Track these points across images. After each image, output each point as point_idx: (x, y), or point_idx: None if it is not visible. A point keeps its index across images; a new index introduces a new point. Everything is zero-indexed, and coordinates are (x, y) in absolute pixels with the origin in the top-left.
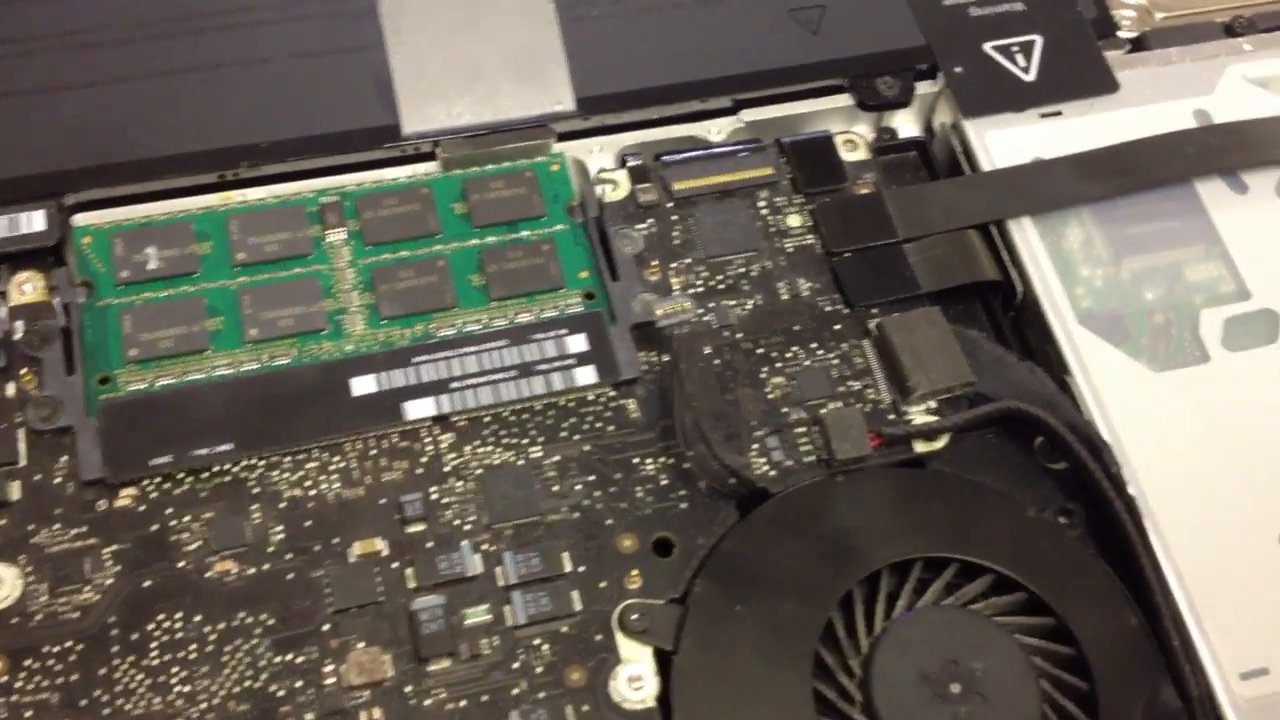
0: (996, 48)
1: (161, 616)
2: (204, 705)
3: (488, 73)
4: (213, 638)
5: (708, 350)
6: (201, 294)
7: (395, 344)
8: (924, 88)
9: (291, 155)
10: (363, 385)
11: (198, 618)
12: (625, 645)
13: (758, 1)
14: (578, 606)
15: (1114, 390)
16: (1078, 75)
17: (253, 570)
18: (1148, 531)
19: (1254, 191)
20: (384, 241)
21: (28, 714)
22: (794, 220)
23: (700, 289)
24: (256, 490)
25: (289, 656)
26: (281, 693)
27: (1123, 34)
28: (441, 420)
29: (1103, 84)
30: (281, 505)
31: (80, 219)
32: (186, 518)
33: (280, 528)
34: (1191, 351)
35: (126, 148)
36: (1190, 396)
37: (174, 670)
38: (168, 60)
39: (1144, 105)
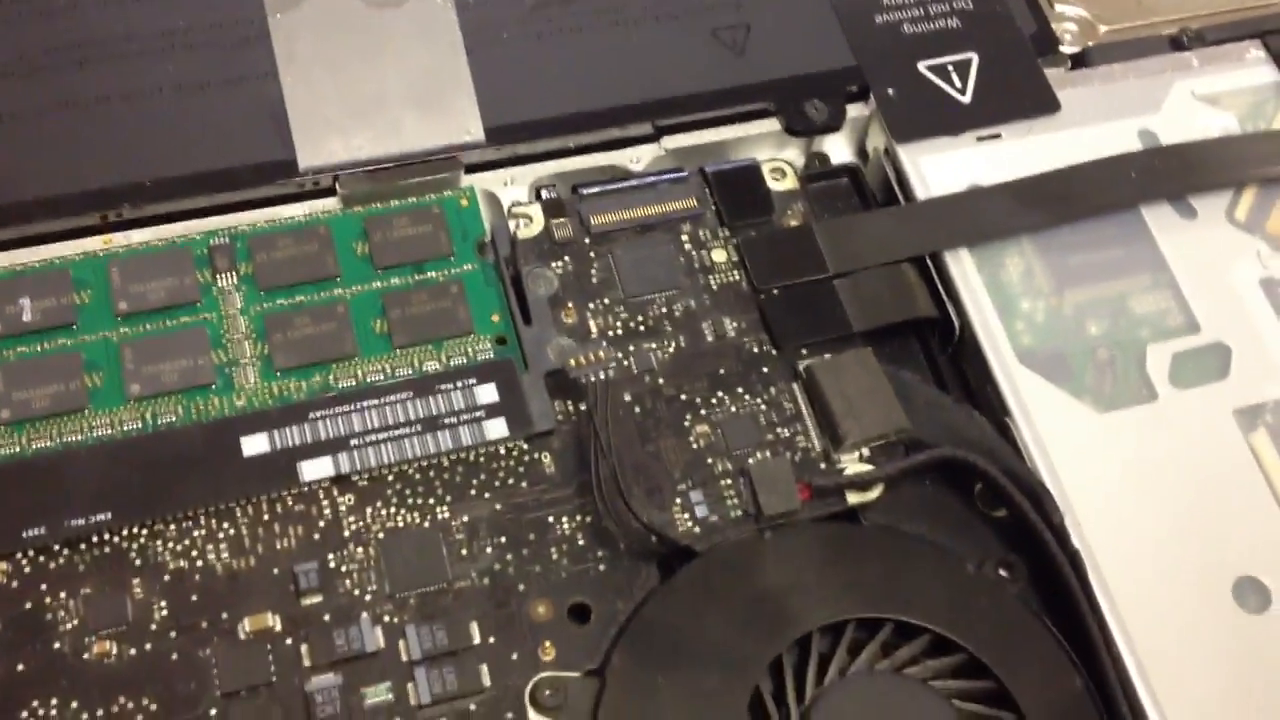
0: (931, 67)
1: (35, 703)
2: None
3: (389, 102)
4: None
5: (627, 398)
6: (79, 348)
7: (291, 398)
8: (856, 110)
9: (177, 194)
10: (254, 445)
11: (74, 704)
12: None
13: (679, 21)
14: (487, 682)
15: (1056, 433)
16: (1017, 95)
17: (134, 651)
18: (1093, 586)
19: (1203, 217)
20: (279, 286)
21: None
22: (719, 255)
23: (619, 331)
24: (138, 562)
25: None
26: None
27: (1065, 49)
28: (340, 480)
29: (1043, 104)
30: (165, 578)
31: None
32: (63, 594)
33: (164, 603)
34: (1138, 389)
35: (2, 190)
36: (1137, 438)
37: None
38: (43, 95)
39: (1087, 126)
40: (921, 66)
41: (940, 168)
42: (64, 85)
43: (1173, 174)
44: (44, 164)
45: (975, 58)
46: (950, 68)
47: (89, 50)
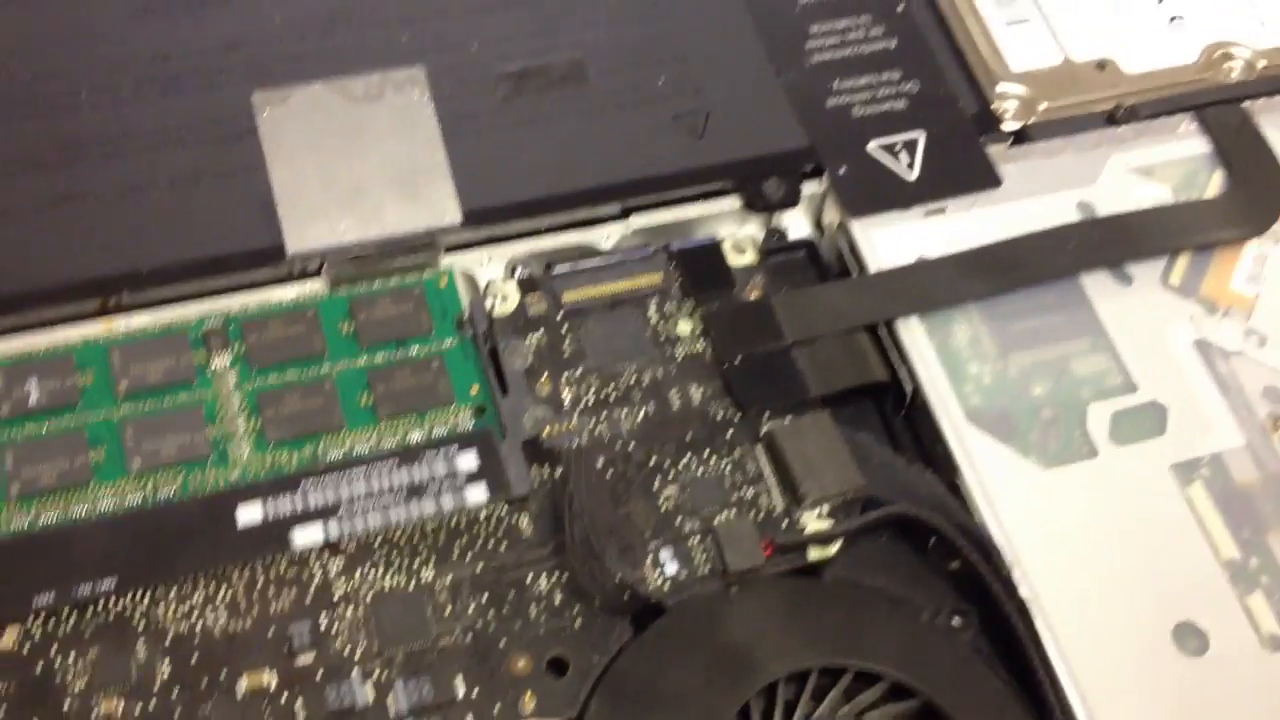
0: (881, 146)
1: None
2: None
3: (372, 189)
4: None
5: (600, 463)
6: (84, 426)
7: (283, 469)
8: (811, 187)
9: (173, 280)
10: (249, 514)
11: None
12: None
13: (642, 109)
14: None
15: (1004, 489)
16: (960, 171)
17: (138, 709)
18: (1040, 632)
19: (1139, 283)
20: (270, 364)
21: None
22: (684, 327)
23: (591, 400)
24: (141, 626)
25: None
26: None
27: (1005, 126)
28: (330, 546)
29: (985, 179)
30: (167, 641)
31: None
32: (71, 656)
33: (166, 663)
34: (1080, 446)
35: (5, 280)
36: (1080, 493)
37: None
38: (45, 191)
39: (1028, 198)
40: (872, 146)
41: (890, 240)
42: (64, 180)
43: (1110, 243)
44: (47, 254)
45: (922, 136)
46: (899, 146)
47: (88, 147)
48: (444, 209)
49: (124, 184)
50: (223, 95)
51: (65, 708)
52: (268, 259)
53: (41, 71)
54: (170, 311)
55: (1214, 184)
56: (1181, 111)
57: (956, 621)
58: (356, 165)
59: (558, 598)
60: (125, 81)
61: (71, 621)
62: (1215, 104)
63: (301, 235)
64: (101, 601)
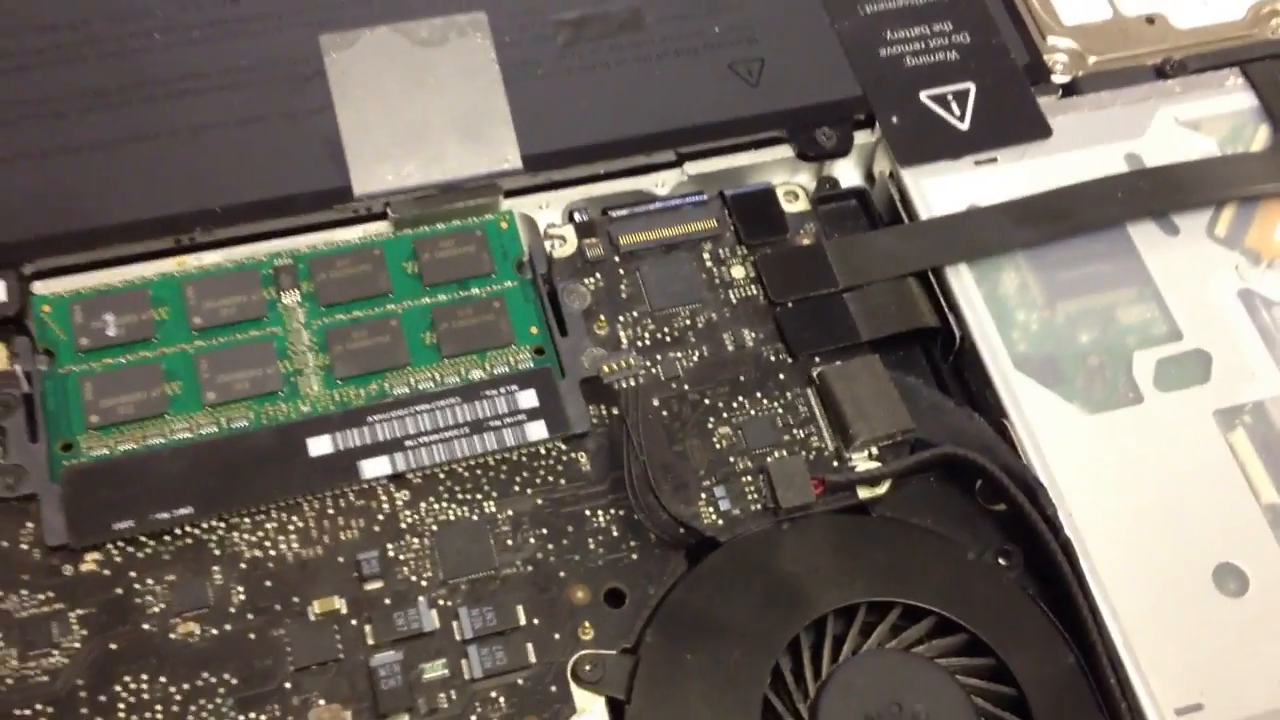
0: (932, 96)
1: (128, 679)
2: None
3: (435, 133)
4: (178, 698)
5: (655, 402)
6: (159, 359)
7: (350, 404)
8: (863, 137)
9: (244, 219)
10: (319, 446)
11: (162, 679)
12: (579, 695)
13: (698, 56)
14: (532, 659)
15: (1050, 433)
16: (1011, 122)
17: (215, 631)
18: (1084, 571)
19: (1185, 233)
20: (338, 302)
21: None
22: (738, 272)
23: (647, 342)
24: (217, 552)
25: (252, 715)
26: None
27: (1056, 79)
28: (397, 478)
29: (1036, 130)
30: (242, 566)
31: (39, 287)
32: (150, 581)
33: (241, 588)
34: (1125, 393)
35: (83, 216)
36: (1124, 437)
37: None
38: (121, 129)
39: (1077, 150)
40: (923, 96)
41: (941, 189)
42: (139, 119)
43: (1157, 194)
44: (123, 192)
45: (973, 87)
46: (950, 97)
47: (161, 87)
48: (505, 154)
49: (196, 124)
50: (291, 37)
51: (145, 628)
52: (335, 199)
53: (117, 12)
54: (241, 250)
55: (1260, 138)
56: (1229, 66)
57: (1002, 560)
58: (420, 108)
59: (615, 531)
60: (197, 22)
61: (150, 547)
62: (1262, 59)
63: (368, 177)
64: (178, 528)
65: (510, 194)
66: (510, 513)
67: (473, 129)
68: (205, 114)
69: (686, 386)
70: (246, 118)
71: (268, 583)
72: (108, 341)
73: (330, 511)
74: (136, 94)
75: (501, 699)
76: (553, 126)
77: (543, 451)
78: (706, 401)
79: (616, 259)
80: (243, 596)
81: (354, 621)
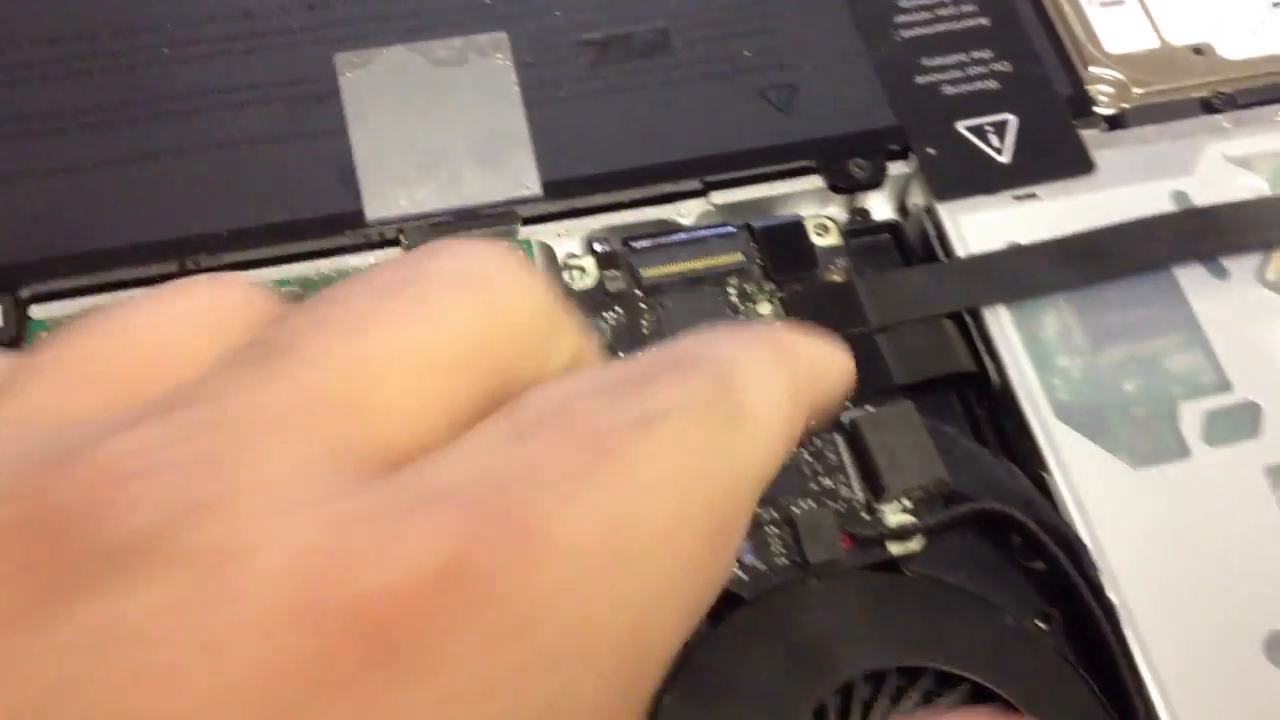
0: (969, 127)
1: None
2: None
3: (452, 157)
4: None
5: None
6: None
7: None
8: (897, 168)
9: (251, 244)
10: None
11: None
12: None
13: (727, 81)
14: None
15: (1092, 488)
16: (1053, 156)
17: None
18: (1127, 638)
19: (1234, 277)
20: None
21: None
22: (764, 308)
23: None
24: None
25: None
26: None
27: (1099, 110)
28: None
29: (1078, 165)
30: None
31: (37, 311)
32: None
33: None
34: (1171, 446)
35: (83, 238)
36: (1171, 494)
37: None
38: (124, 147)
39: (1121, 187)
40: (961, 126)
41: (979, 226)
42: (144, 137)
43: (1205, 235)
44: (126, 213)
45: (1013, 119)
46: (989, 128)
47: (167, 104)
48: (524, 180)
49: (203, 143)
50: (304, 55)
51: None
52: (347, 224)
53: (123, 25)
54: (247, 275)
55: None
56: None
57: (1041, 623)
58: (437, 131)
59: None
60: (207, 37)
61: None
62: None
63: (381, 202)
64: None
65: (528, 221)
66: None
67: (491, 153)
68: (213, 133)
69: None
70: (256, 138)
71: None
72: None
73: None
74: (142, 111)
75: None
76: (573, 151)
77: None
78: None
79: (638, 292)
80: None
81: None
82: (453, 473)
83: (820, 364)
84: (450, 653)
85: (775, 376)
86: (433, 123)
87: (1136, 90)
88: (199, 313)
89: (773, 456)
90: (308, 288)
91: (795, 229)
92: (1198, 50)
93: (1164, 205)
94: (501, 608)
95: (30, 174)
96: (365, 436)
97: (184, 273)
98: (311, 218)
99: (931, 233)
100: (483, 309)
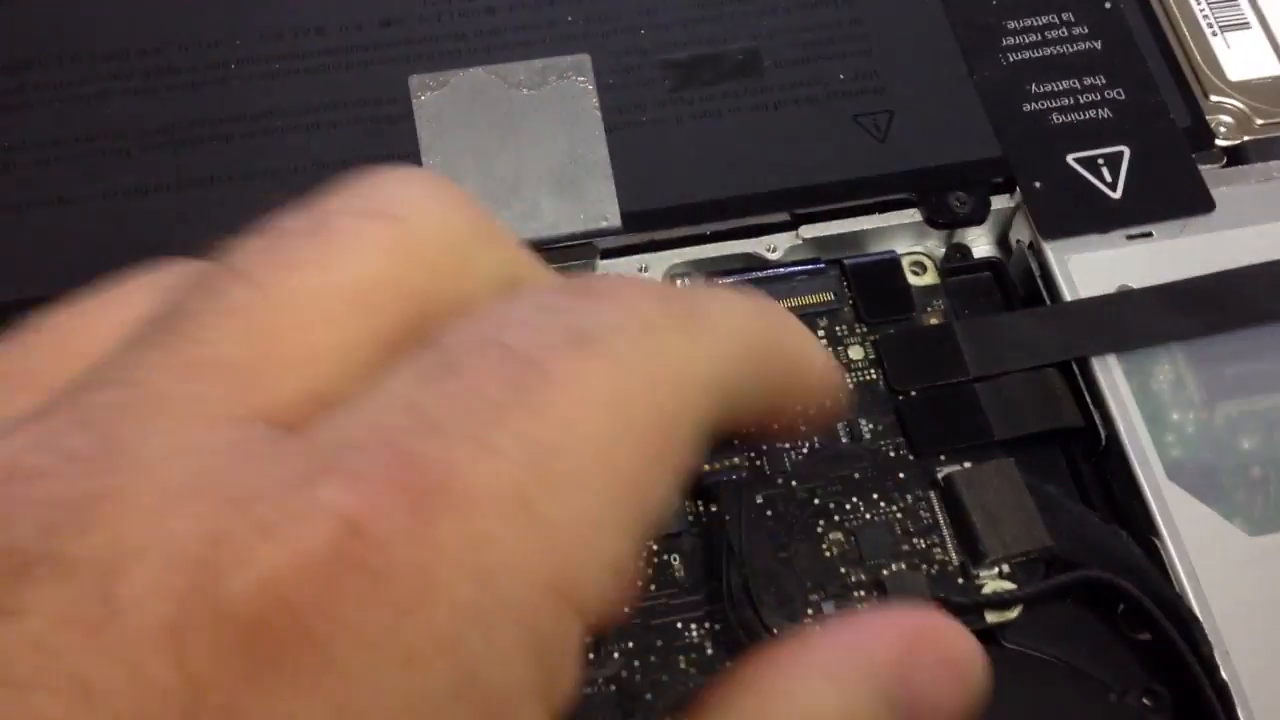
0: (1079, 159)
1: None
2: None
3: (528, 186)
4: None
5: (759, 500)
6: None
7: None
8: (1000, 202)
9: None
10: None
11: None
12: None
13: (819, 106)
14: None
15: (1206, 556)
16: (1169, 192)
17: None
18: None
19: None
20: None
21: None
22: (855, 353)
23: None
24: None
25: None
26: None
27: (1220, 142)
28: None
29: (1197, 202)
30: None
31: None
32: None
33: None
34: None
35: (148, 261)
36: None
37: None
38: (191, 168)
39: (1243, 227)
40: (1070, 159)
41: (1088, 266)
42: (211, 159)
43: None
44: (189, 238)
45: (1127, 151)
46: (1100, 161)
47: (233, 125)
48: (603, 210)
49: (270, 168)
50: (378, 75)
51: None
52: None
53: (189, 40)
54: None
55: None
56: None
57: (1147, 701)
58: (514, 157)
59: (709, 649)
60: (275, 55)
61: None
62: None
63: None
64: None
65: (606, 254)
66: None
67: (569, 182)
68: (280, 156)
69: (795, 482)
70: (325, 162)
71: None
72: None
73: None
74: (206, 132)
75: None
76: (655, 180)
77: None
78: (816, 501)
79: None
80: None
81: None
82: (358, 427)
83: (794, 342)
84: (338, 649)
85: (740, 305)
86: (509, 149)
87: (1259, 121)
88: (122, 295)
89: (729, 374)
90: None
91: (890, 266)
92: None
93: None
94: (392, 584)
95: (88, 198)
96: (268, 400)
97: None
98: None
99: (1036, 273)
100: (389, 241)
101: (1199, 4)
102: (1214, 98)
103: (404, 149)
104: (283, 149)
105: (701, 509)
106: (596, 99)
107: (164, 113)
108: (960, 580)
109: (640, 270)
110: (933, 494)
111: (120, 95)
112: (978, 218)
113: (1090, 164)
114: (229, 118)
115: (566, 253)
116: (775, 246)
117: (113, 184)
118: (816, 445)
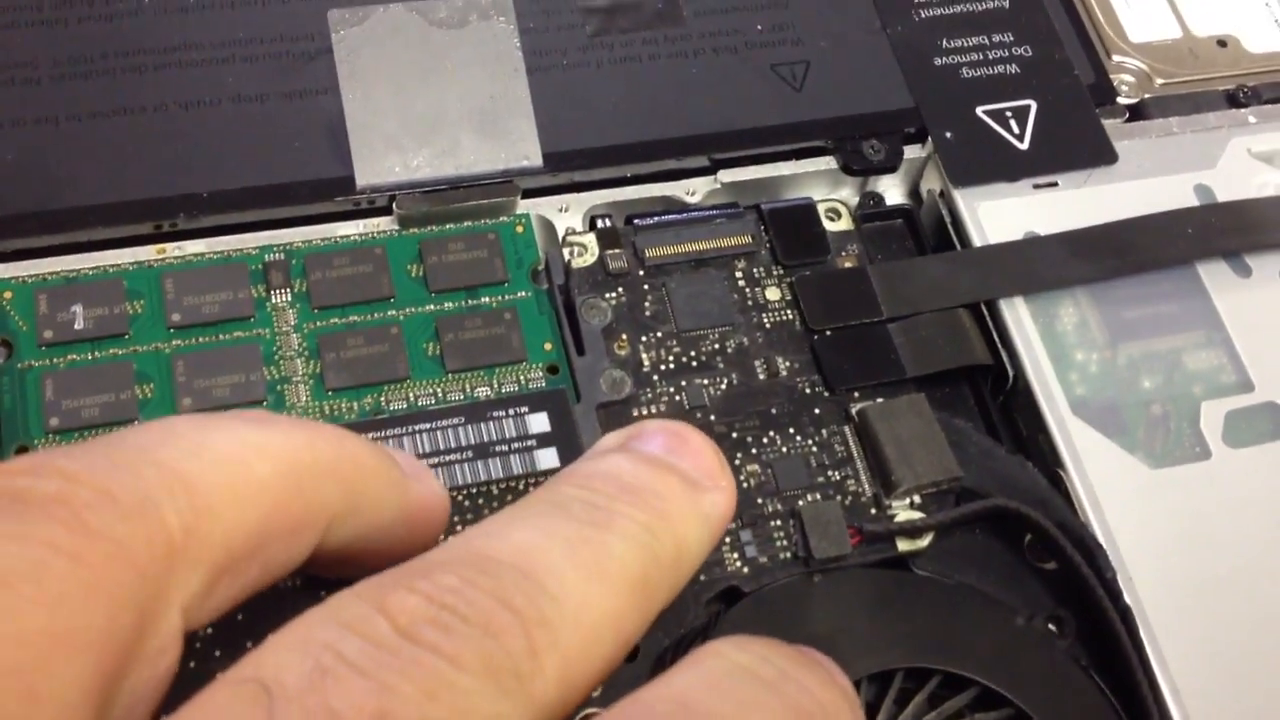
0: (989, 112)
1: None
2: None
3: (449, 124)
4: None
5: None
6: (131, 358)
7: (342, 418)
8: (912, 151)
9: (234, 207)
10: None
11: None
12: None
13: (738, 55)
14: None
15: (1109, 487)
16: (1075, 144)
17: None
18: (1144, 643)
19: (1258, 275)
20: (333, 305)
21: None
22: (773, 294)
23: (672, 365)
24: None
25: None
26: None
27: (1121, 100)
28: None
29: (1101, 154)
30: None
31: (1, 270)
32: None
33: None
34: (1191, 447)
35: (53, 194)
36: (1190, 496)
37: None
38: (101, 100)
39: (1143, 179)
40: (980, 111)
41: (996, 214)
42: (122, 90)
43: (1229, 231)
44: (99, 170)
45: (1034, 104)
46: (1009, 113)
47: (148, 57)
48: (524, 150)
49: (185, 100)
50: (296, 10)
51: None
52: (336, 190)
53: None
54: (228, 240)
55: None
56: None
57: (1053, 627)
58: (434, 95)
59: None
60: None
61: None
62: None
63: (373, 168)
64: None
65: (528, 194)
66: None
67: (490, 121)
68: (196, 89)
69: (713, 417)
70: (242, 96)
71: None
72: (74, 335)
73: None
74: (121, 63)
75: None
76: (577, 123)
77: None
78: (734, 435)
79: (641, 273)
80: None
81: None
82: None
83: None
84: None
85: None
86: (430, 86)
87: (1159, 81)
88: None
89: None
90: (292, 256)
91: (806, 212)
92: (1222, 42)
93: (1187, 199)
94: None
95: None
96: None
97: (160, 234)
98: (298, 182)
99: (947, 219)
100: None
101: None
102: (1116, 57)
103: (323, 84)
104: (198, 83)
105: None
106: (518, 39)
107: (74, 44)
108: (873, 510)
109: (561, 210)
110: (847, 428)
111: (28, 26)
112: (891, 166)
113: (999, 116)
114: (142, 50)
115: (488, 190)
116: (694, 190)
117: (19, 113)
118: (734, 382)
